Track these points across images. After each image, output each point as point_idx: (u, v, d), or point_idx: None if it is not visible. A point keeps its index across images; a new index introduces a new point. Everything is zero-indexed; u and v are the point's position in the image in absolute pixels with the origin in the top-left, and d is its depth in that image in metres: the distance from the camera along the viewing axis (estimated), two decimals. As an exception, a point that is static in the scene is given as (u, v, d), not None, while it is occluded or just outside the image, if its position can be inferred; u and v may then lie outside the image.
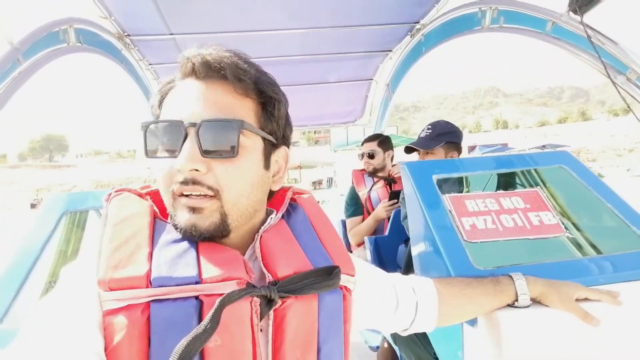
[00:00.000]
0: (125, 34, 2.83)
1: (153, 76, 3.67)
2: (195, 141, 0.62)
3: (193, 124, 0.63)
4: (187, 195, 0.64)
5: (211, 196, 0.64)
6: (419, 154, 2.24)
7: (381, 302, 0.90)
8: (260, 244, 0.70)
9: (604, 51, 1.56)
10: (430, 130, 2.20)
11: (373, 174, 2.92)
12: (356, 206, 2.94)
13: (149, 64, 3.44)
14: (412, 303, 0.94)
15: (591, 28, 1.59)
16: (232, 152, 0.64)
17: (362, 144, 2.99)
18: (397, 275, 0.99)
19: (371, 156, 2.91)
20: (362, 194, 2.92)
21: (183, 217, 0.64)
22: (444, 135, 2.17)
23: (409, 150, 2.27)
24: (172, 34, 2.90)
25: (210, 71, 0.65)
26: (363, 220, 2.88)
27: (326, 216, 0.84)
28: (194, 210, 0.64)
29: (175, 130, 0.64)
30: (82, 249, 1.70)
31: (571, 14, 1.71)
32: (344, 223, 3.35)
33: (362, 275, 0.83)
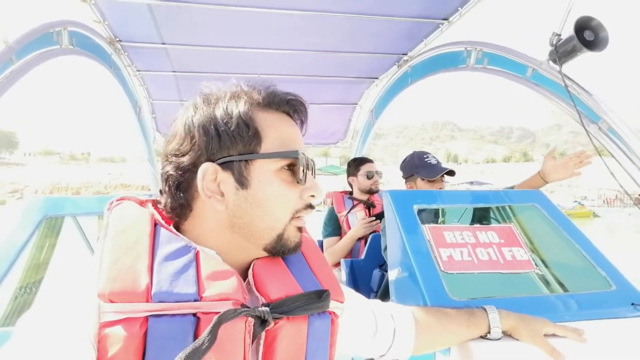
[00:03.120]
0: (117, 39, 2.83)
1: (140, 82, 3.66)
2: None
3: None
4: (298, 217, 0.74)
5: None
6: (430, 182, 2.24)
7: (360, 327, 0.92)
8: (252, 269, 0.73)
9: (579, 100, 1.67)
10: (435, 158, 2.27)
11: (375, 192, 2.94)
12: (334, 227, 2.96)
13: (137, 70, 3.43)
14: (390, 329, 0.96)
15: (569, 78, 1.70)
16: None
17: (363, 164, 2.98)
18: (377, 302, 1.02)
19: (380, 175, 2.97)
20: (341, 215, 2.95)
21: (296, 236, 0.75)
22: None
23: (451, 173, 2.25)
24: (164, 43, 2.92)
25: (301, 120, 0.78)
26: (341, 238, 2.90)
27: (315, 245, 0.87)
28: (300, 229, 0.76)
29: (307, 162, 0.73)
30: (57, 255, 1.66)
31: (551, 63, 1.82)
32: (320, 243, 3.37)
33: (345, 300, 0.85)
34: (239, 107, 0.70)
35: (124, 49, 2.98)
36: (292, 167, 0.72)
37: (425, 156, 2.28)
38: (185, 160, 0.69)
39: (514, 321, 1.06)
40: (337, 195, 3.08)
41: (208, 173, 0.68)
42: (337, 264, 2.78)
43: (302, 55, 3.23)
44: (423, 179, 2.23)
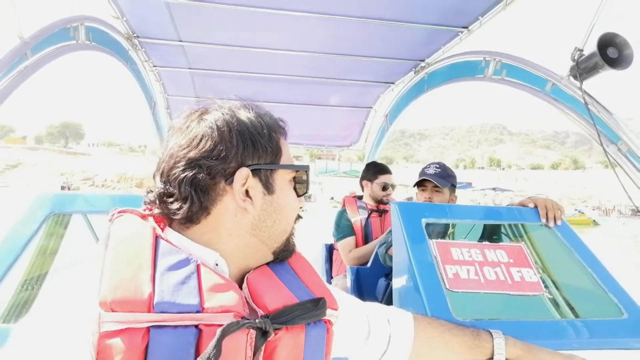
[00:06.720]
0: (135, 35, 2.85)
1: (155, 78, 3.69)
2: None
3: None
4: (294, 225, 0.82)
5: None
6: (422, 189, 2.23)
7: (352, 331, 0.90)
8: (247, 282, 0.73)
9: (599, 119, 1.61)
10: (439, 169, 2.22)
11: (386, 204, 2.94)
12: (348, 229, 2.93)
13: (154, 66, 3.45)
14: (384, 335, 0.94)
15: (589, 95, 1.65)
16: None
17: (383, 174, 2.97)
18: (374, 305, 0.99)
19: (394, 188, 2.98)
20: (355, 220, 2.93)
21: (294, 241, 0.82)
22: (450, 178, 2.22)
23: (422, 183, 2.23)
24: (181, 40, 2.93)
25: None
26: (356, 242, 2.87)
27: (300, 254, 0.87)
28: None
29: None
30: (63, 253, 1.66)
31: (571, 78, 1.76)
32: (327, 247, 3.34)
33: (338, 304, 0.85)
34: (267, 121, 0.76)
35: (141, 45, 3.00)
36: (296, 180, 0.80)
37: (428, 166, 2.26)
38: (218, 164, 0.70)
39: (520, 351, 1.02)
40: (349, 199, 3.07)
41: (242, 178, 0.71)
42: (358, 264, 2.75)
43: (318, 57, 3.21)
44: (417, 188, 2.24)
